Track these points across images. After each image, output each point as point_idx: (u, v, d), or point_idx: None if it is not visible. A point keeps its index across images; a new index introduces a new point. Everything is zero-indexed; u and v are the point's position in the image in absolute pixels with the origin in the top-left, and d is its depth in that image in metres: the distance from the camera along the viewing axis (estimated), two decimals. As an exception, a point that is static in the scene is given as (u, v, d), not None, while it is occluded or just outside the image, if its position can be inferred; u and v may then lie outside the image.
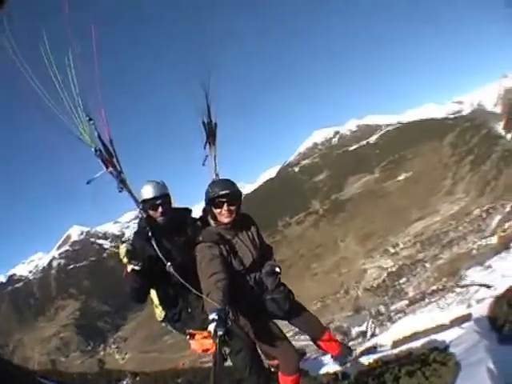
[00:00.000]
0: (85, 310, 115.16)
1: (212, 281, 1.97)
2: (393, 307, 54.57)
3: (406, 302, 53.86)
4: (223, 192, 2.09)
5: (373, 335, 48.04)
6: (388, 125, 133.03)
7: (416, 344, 6.67)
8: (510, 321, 6.24)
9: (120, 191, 2.29)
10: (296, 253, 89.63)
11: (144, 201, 2.32)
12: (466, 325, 6.17)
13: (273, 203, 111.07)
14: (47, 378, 8.80)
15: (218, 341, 1.67)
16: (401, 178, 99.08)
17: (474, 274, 54.55)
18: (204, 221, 2.32)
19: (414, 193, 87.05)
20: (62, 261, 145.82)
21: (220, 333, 1.68)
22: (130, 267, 2.15)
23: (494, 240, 64.38)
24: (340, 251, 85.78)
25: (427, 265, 70.64)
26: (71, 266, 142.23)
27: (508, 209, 73.29)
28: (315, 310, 69.87)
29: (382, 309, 54.74)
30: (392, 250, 79.08)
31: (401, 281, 68.68)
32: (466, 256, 65.21)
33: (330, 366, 5.50)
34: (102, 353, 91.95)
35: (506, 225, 66.41)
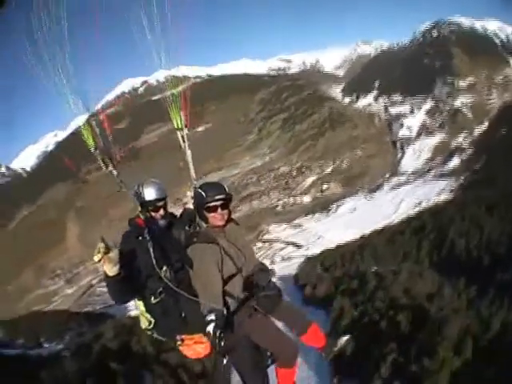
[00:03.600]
0: None
1: (209, 282, 2.03)
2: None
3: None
4: (219, 197, 2.17)
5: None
6: (197, 77, 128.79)
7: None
8: (312, 283, 7.16)
9: (118, 191, 2.30)
10: (97, 198, 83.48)
11: (145, 202, 2.25)
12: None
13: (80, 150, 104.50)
14: None
15: (217, 341, 1.72)
16: (200, 129, 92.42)
17: (277, 231, 60.82)
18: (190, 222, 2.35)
19: (213, 144, 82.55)
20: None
21: (219, 333, 1.74)
22: (104, 268, 1.87)
23: (307, 199, 68.23)
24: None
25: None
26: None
27: (328, 171, 73.80)
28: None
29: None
30: (184, 200, 77.36)
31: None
32: (269, 211, 67.49)
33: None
34: None
35: (324, 186, 69.33)
